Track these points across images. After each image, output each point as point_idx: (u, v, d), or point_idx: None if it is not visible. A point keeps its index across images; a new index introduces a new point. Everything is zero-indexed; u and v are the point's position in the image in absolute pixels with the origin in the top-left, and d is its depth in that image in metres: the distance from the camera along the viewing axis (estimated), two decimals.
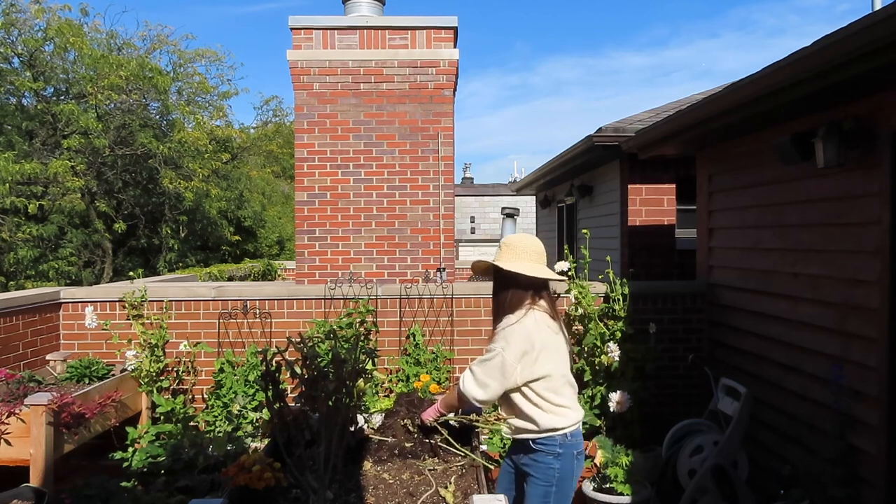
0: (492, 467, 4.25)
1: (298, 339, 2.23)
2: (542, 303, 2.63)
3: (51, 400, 3.54)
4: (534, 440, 2.57)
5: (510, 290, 2.60)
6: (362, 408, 3.72)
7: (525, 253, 2.62)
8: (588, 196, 8.39)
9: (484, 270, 2.77)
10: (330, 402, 2.15)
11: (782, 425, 3.99)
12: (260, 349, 4.93)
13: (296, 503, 2.19)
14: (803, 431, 3.75)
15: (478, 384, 2.53)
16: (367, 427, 2.93)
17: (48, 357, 4.58)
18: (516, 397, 2.58)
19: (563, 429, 2.56)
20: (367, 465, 2.55)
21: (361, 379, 2.41)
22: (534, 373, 2.52)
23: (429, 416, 2.76)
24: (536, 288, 2.62)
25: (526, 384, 2.53)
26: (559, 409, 2.57)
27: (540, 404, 2.55)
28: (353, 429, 2.61)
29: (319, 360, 2.25)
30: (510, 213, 16.55)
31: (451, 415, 2.77)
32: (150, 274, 12.81)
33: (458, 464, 2.59)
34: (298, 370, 2.21)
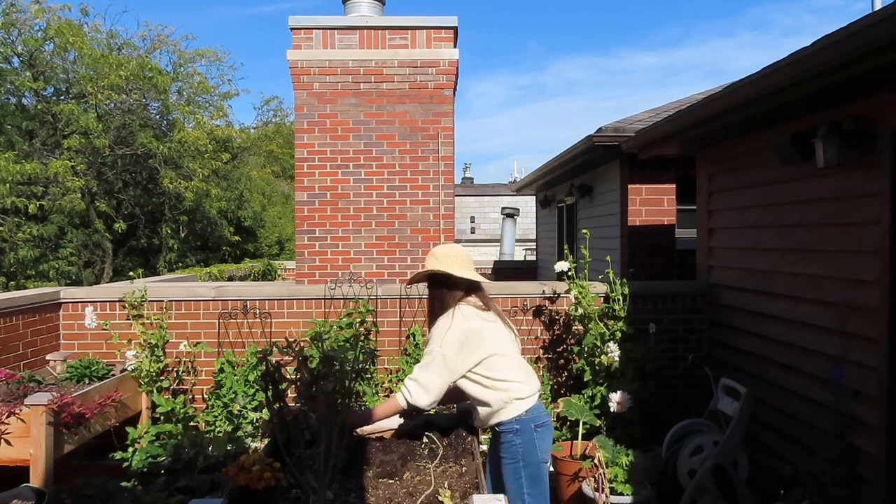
0: None
1: (286, 345, 2.24)
2: (471, 298, 2.83)
3: (51, 400, 3.54)
4: (497, 424, 2.77)
5: (441, 290, 2.84)
6: (361, 408, 3.72)
7: (454, 259, 2.83)
8: (588, 196, 8.39)
9: (421, 279, 3.01)
10: (328, 402, 2.15)
11: (782, 425, 3.99)
12: (260, 349, 4.93)
13: (296, 503, 2.19)
14: (803, 431, 3.75)
15: (423, 389, 2.69)
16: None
17: (48, 357, 4.58)
18: (465, 384, 2.76)
19: (520, 400, 2.74)
20: (367, 465, 2.55)
21: (361, 379, 2.41)
22: (475, 358, 2.72)
23: (354, 422, 2.76)
24: (467, 289, 2.84)
25: (470, 370, 2.73)
26: (507, 383, 2.75)
27: (487, 384, 2.74)
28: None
29: (312, 360, 2.25)
30: (510, 213, 16.56)
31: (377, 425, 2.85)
32: (150, 274, 12.81)
33: (459, 463, 2.59)
34: (293, 373, 2.20)
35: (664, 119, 4.93)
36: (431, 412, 3.03)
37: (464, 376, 2.75)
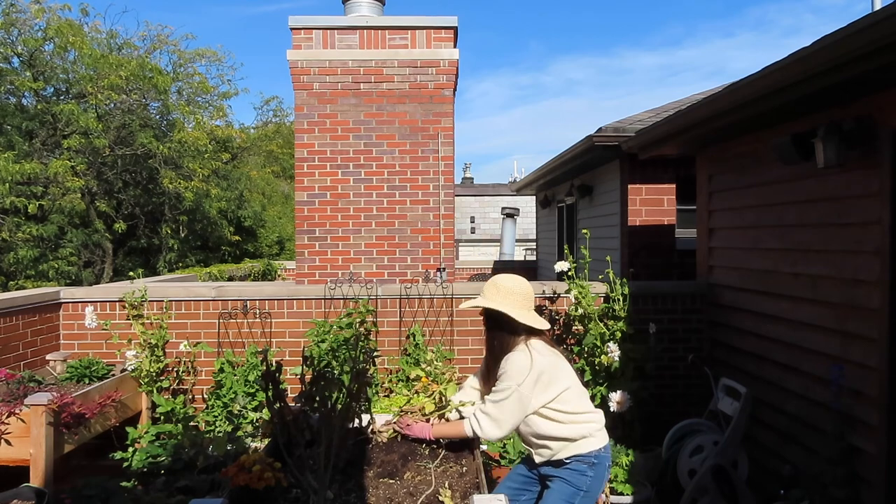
0: (492, 466, 4.25)
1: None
2: (535, 340, 2.69)
3: (51, 400, 3.54)
4: (569, 457, 2.66)
5: (510, 335, 2.67)
6: (363, 409, 3.72)
7: (517, 298, 2.69)
8: (588, 196, 8.39)
9: (482, 311, 2.82)
10: (330, 404, 2.15)
11: (782, 425, 3.99)
12: (260, 349, 4.93)
13: (296, 503, 2.19)
14: (803, 431, 3.75)
15: (495, 424, 2.61)
16: (368, 427, 2.93)
17: (48, 357, 4.58)
18: (538, 422, 2.65)
19: (596, 433, 2.68)
20: (368, 465, 2.55)
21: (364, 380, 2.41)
22: (551, 394, 2.62)
23: (413, 433, 2.78)
24: (528, 331, 2.69)
25: (544, 406, 2.62)
26: (584, 415, 2.68)
27: (562, 419, 2.64)
28: (353, 427, 2.61)
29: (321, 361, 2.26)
30: (510, 213, 16.57)
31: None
32: (150, 274, 12.80)
33: (459, 463, 2.59)
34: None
35: (664, 119, 4.93)
36: None
37: (537, 413, 2.64)
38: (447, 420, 2.83)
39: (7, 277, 12.52)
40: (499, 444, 4.48)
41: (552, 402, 2.62)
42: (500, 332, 2.69)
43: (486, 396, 2.69)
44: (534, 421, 2.65)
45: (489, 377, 2.75)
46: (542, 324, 2.69)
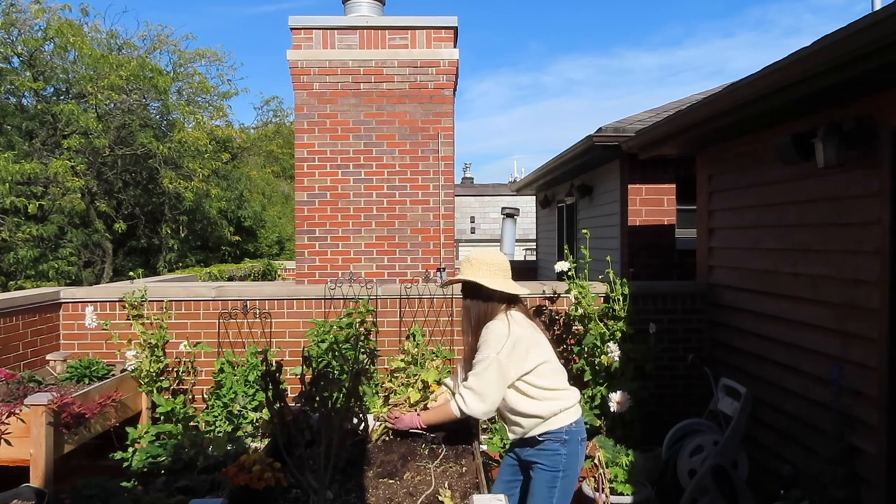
0: (492, 466, 4.25)
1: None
2: (514, 311, 2.74)
3: (51, 400, 3.54)
4: (543, 434, 2.67)
5: (476, 301, 2.73)
6: (362, 408, 3.71)
7: (488, 267, 2.73)
8: (588, 196, 8.39)
9: (454, 284, 2.90)
10: (330, 404, 2.15)
11: (782, 425, 3.99)
12: (260, 349, 4.93)
13: (296, 503, 2.19)
14: (803, 431, 3.75)
15: (479, 398, 2.60)
16: (368, 427, 2.93)
17: (48, 357, 4.58)
18: (514, 397, 2.67)
19: (567, 409, 2.69)
20: (368, 465, 2.55)
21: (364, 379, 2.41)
22: (526, 365, 2.63)
23: (403, 425, 2.80)
24: (509, 301, 2.74)
25: (520, 378, 2.64)
26: (557, 392, 2.70)
27: (537, 394, 2.66)
28: (353, 427, 2.61)
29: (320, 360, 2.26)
30: (510, 213, 16.56)
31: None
32: (150, 274, 12.80)
33: (459, 464, 2.59)
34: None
35: (664, 119, 4.93)
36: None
37: (513, 386, 2.65)
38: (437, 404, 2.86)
39: (7, 277, 12.52)
40: (499, 443, 4.48)
41: (529, 376, 2.64)
42: (477, 300, 2.74)
43: (468, 373, 2.70)
44: (509, 396, 2.67)
45: (471, 361, 2.73)
46: (518, 289, 2.73)
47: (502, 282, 2.72)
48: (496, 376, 2.58)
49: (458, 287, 2.91)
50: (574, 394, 2.77)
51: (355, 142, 5.66)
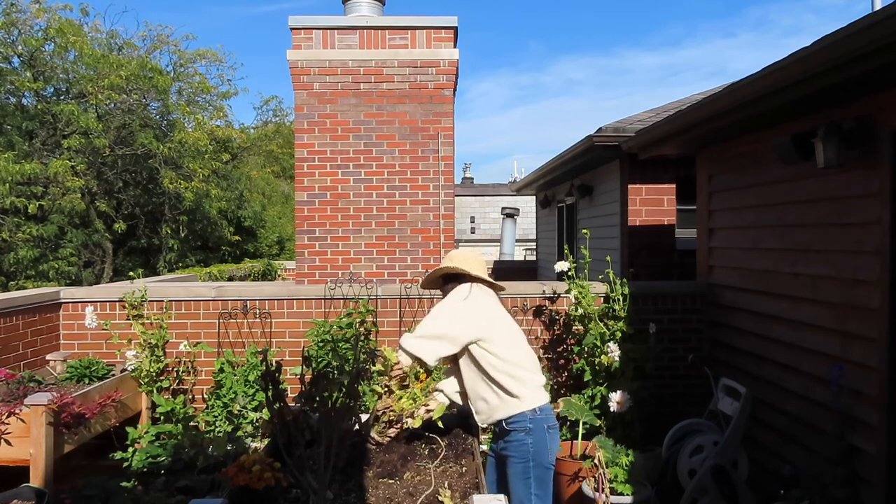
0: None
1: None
2: (485, 287, 2.91)
3: (51, 400, 3.54)
4: (506, 420, 2.74)
5: (458, 283, 2.88)
6: (362, 408, 3.72)
7: (470, 260, 2.91)
8: (588, 196, 8.39)
9: (433, 282, 3.08)
10: (330, 403, 2.15)
11: (782, 425, 3.99)
12: (260, 349, 4.93)
13: (296, 503, 2.19)
14: (803, 431, 3.75)
15: (413, 334, 2.77)
16: (368, 427, 2.93)
17: (48, 357, 4.58)
18: (475, 369, 2.76)
19: (528, 398, 2.74)
20: (368, 465, 2.55)
21: (361, 379, 2.41)
22: (485, 330, 2.71)
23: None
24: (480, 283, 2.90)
25: (480, 344, 2.70)
26: (519, 371, 2.76)
27: (500, 368, 2.72)
28: (353, 427, 2.61)
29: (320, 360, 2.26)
30: (510, 213, 16.56)
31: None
32: (150, 274, 12.80)
33: (459, 464, 2.59)
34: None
35: (664, 119, 4.93)
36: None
37: (474, 355, 2.73)
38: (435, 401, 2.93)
39: (7, 277, 12.52)
40: None
41: (490, 345, 2.71)
42: (455, 283, 2.89)
43: None
44: (471, 367, 2.75)
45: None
46: (496, 283, 2.92)
47: (482, 273, 2.91)
48: (447, 319, 2.72)
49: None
50: (538, 378, 2.83)
51: (355, 142, 5.66)
